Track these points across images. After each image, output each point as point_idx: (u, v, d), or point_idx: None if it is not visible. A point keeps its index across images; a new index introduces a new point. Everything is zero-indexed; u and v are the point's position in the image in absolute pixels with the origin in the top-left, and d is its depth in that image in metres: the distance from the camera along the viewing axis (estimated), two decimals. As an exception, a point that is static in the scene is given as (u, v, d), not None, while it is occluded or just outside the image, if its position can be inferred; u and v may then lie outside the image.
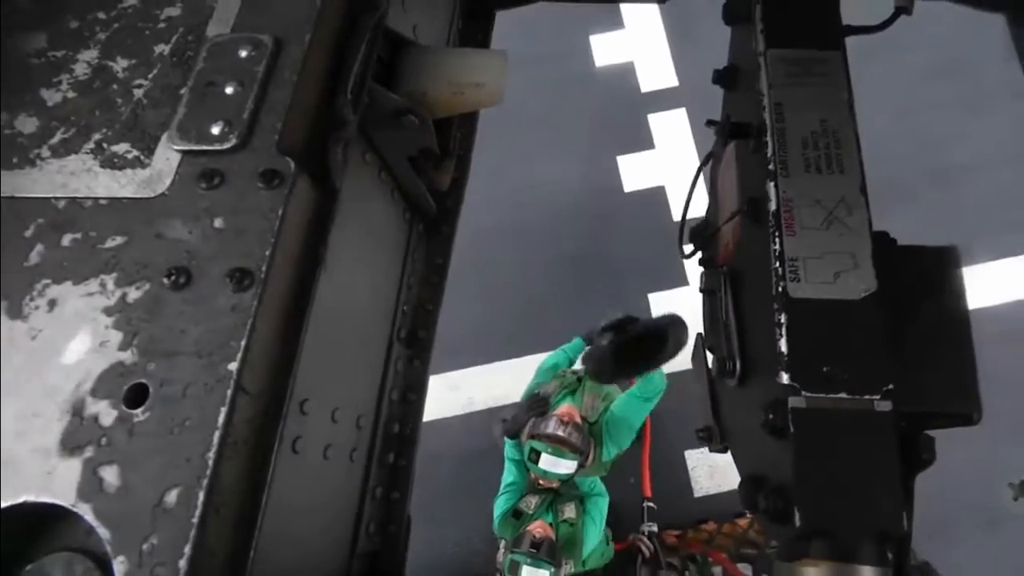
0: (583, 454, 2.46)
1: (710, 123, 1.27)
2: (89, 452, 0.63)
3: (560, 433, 2.42)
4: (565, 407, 2.56)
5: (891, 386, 0.80)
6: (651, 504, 3.01)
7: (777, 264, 0.89)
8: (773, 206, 0.95)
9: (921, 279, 0.94)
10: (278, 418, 0.71)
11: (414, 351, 1.24)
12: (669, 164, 4.03)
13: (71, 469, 0.63)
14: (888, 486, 0.76)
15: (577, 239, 3.98)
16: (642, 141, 4.11)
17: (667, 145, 4.10)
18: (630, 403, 2.52)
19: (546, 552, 2.40)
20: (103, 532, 0.60)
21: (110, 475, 0.62)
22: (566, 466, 2.45)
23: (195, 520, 0.59)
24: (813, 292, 0.86)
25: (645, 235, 3.81)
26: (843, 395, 0.80)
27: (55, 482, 0.63)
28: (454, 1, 1.41)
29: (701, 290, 1.27)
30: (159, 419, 0.63)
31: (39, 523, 0.66)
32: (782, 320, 0.85)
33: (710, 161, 1.34)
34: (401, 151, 1.04)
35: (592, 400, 2.68)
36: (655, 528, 2.90)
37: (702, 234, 1.42)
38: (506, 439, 2.72)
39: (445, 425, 3.60)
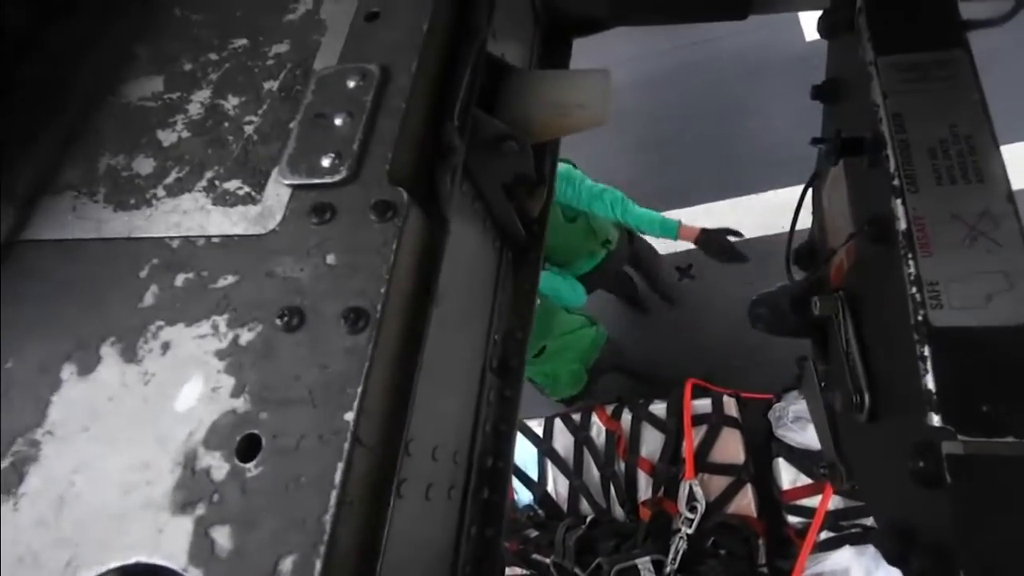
0: None
1: (816, 141, 1.18)
2: (201, 510, 0.58)
3: None
4: None
5: None
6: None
7: (914, 290, 0.78)
8: (903, 225, 0.85)
9: None
10: (393, 472, 0.65)
11: (506, 381, 1.19)
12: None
13: (182, 528, 0.58)
14: None
15: (750, 89, 3.81)
16: (828, -11, 3.95)
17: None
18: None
19: None
20: None
21: (222, 537, 0.57)
22: None
23: None
24: (960, 319, 0.74)
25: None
26: (1010, 439, 0.68)
27: (166, 542, 0.58)
28: (534, 30, 1.40)
29: (811, 316, 1.18)
30: (272, 475, 0.58)
31: None
32: (925, 353, 0.74)
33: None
34: (497, 178, 1.01)
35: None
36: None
37: (809, 255, 1.31)
38: None
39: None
